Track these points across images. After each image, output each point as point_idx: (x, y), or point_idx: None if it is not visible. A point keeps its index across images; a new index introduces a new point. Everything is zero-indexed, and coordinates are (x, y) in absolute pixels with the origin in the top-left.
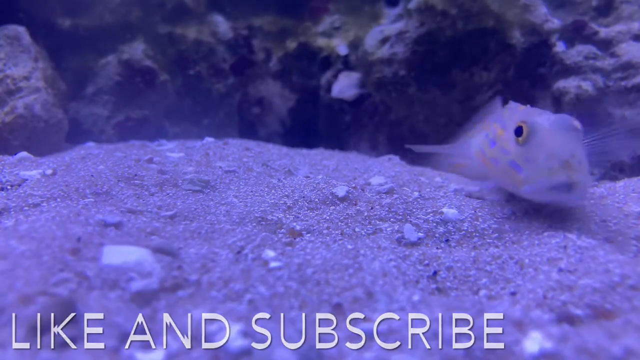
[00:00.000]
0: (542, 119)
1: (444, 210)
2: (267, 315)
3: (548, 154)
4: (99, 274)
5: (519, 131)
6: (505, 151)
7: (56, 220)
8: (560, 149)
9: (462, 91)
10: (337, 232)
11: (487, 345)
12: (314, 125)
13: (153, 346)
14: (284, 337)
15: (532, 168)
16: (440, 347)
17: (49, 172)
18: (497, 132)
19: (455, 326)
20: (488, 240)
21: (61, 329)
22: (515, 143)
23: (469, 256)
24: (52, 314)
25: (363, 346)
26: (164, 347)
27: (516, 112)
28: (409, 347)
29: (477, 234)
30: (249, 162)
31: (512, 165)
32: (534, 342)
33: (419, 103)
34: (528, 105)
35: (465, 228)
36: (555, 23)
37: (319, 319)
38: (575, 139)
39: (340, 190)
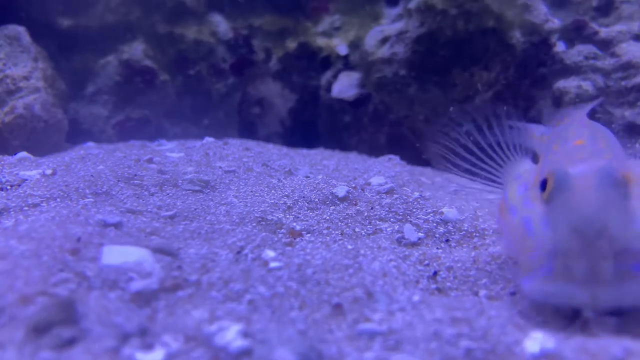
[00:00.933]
0: (581, 168)
1: (444, 210)
2: (267, 316)
3: (565, 226)
4: (99, 274)
5: (543, 185)
6: (528, 203)
7: (56, 220)
8: (585, 224)
9: (462, 91)
10: (337, 232)
11: (488, 345)
12: (314, 125)
13: (153, 346)
14: (284, 337)
15: (541, 243)
16: (440, 347)
17: (49, 172)
18: (534, 176)
19: (456, 326)
20: (488, 241)
21: (61, 329)
22: (540, 198)
23: (469, 256)
24: (52, 314)
25: (363, 346)
26: (164, 347)
27: (567, 145)
28: (409, 347)
29: (478, 234)
30: (249, 162)
31: (526, 226)
32: (534, 342)
33: (419, 103)
34: (601, 129)
35: (466, 228)
36: (555, 23)
37: (319, 319)
38: (614, 201)
39: (340, 190)
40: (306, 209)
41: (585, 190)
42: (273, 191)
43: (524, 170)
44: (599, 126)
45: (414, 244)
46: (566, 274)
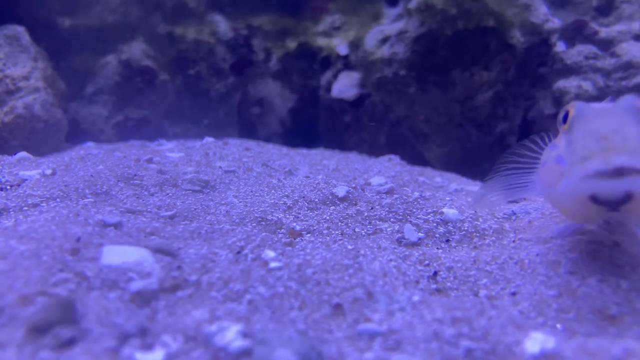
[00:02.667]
0: (600, 103)
1: (445, 210)
2: (267, 316)
3: (586, 136)
4: (99, 274)
5: (565, 117)
6: (555, 146)
7: (56, 220)
8: (601, 126)
9: (462, 91)
10: (337, 232)
11: (488, 345)
12: (314, 125)
13: (153, 346)
14: (284, 338)
15: (570, 158)
16: (440, 347)
17: (49, 172)
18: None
19: (456, 326)
20: (488, 241)
21: (61, 329)
22: (563, 133)
23: (469, 256)
24: (52, 314)
25: (363, 346)
26: (164, 347)
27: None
28: (409, 347)
29: (478, 234)
30: (249, 162)
31: (557, 161)
32: (534, 342)
33: (419, 103)
34: None
35: (466, 228)
36: (555, 23)
37: (319, 319)
38: (631, 118)
39: (340, 191)
40: (306, 209)
41: (604, 113)
42: (273, 191)
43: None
44: None
45: (414, 244)
46: (584, 165)
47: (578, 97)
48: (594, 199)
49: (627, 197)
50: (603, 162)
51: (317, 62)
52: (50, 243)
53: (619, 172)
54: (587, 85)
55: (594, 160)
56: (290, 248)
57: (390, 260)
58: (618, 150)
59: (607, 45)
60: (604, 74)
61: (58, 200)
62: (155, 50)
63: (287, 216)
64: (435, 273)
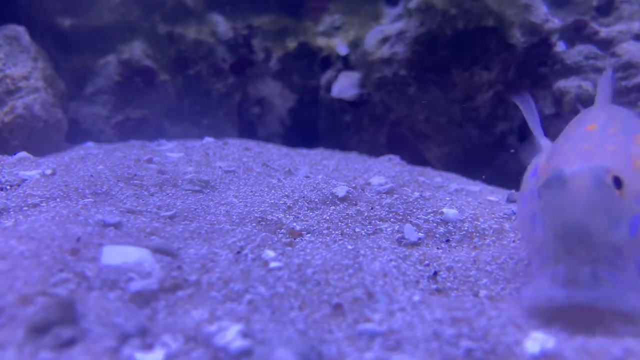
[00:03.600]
0: (574, 168)
1: (445, 210)
2: (267, 316)
3: (549, 231)
4: (99, 274)
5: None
6: (534, 173)
7: (55, 220)
8: (568, 228)
9: (462, 91)
10: (337, 232)
11: (488, 345)
12: (314, 125)
13: (153, 346)
14: (284, 338)
15: (533, 245)
16: (440, 347)
17: (49, 172)
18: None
19: (456, 326)
20: (488, 241)
21: (60, 329)
22: (537, 188)
23: (469, 256)
24: (52, 314)
25: (363, 346)
26: (164, 347)
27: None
28: (409, 347)
29: (478, 234)
30: (249, 162)
31: (532, 217)
32: (534, 342)
33: (419, 103)
34: None
35: (466, 228)
36: (555, 23)
37: (319, 319)
38: (601, 202)
39: (340, 191)
40: (306, 209)
41: (572, 194)
42: (273, 191)
43: (545, 146)
44: (619, 109)
45: (414, 244)
46: (553, 278)
47: (578, 96)
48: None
49: None
50: (567, 296)
51: (317, 62)
52: (50, 243)
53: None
54: (587, 85)
55: (557, 286)
56: (290, 248)
57: (390, 260)
58: (584, 284)
59: (607, 45)
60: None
61: (58, 200)
62: (155, 50)
63: (287, 216)
64: (436, 273)
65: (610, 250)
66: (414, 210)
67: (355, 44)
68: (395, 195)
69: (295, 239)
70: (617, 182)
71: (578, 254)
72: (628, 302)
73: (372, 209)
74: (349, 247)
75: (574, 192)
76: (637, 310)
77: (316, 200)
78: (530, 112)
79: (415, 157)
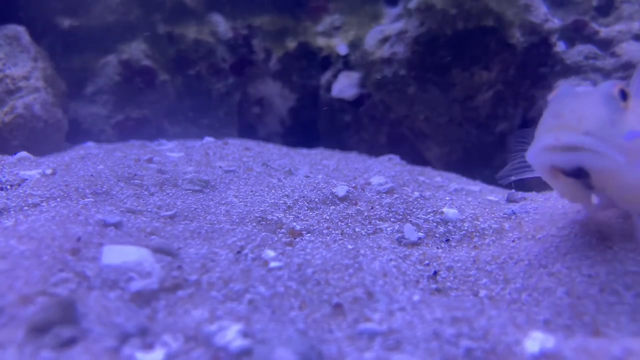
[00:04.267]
0: (585, 87)
1: (445, 210)
2: (267, 315)
3: (550, 113)
4: (99, 274)
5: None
6: None
7: (56, 220)
8: (564, 106)
9: (462, 91)
10: (337, 232)
11: (488, 345)
12: (314, 125)
13: (153, 346)
14: (284, 337)
15: (537, 132)
16: (440, 347)
17: (49, 171)
18: None
19: (456, 326)
20: (488, 240)
21: (61, 329)
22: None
23: (469, 256)
24: (52, 314)
25: (363, 346)
26: (164, 347)
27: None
28: (409, 347)
29: (478, 234)
30: (249, 162)
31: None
32: (534, 341)
33: (419, 103)
34: None
35: (466, 228)
36: (555, 23)
37: (319, 319)
38: (601, 101)
39: (341, 190)
40: (306, 208)
41: (577, 95)
42: (273, 191)
43: None
44: None
45: (414, 244)
46: (539, 139)
47: None
48: (557, 169)
49: (581, 171)
50: (554, 138)
51: (317, 62)
52: (51, 243)
53: (567, 148)
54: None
55: (548, 135)
56: (290, 248)
57: (390, 260)
58: (569, 129)
59: (607, 45)
60: (604, 73)
61: (58, 200)
62: (155, 50)
63: (287, 216)
64: (435, 273)
65: (601, 129)
66: (414, 209)
67: (355, 44)
68: (395, 195)
69: (295, 239)
70: (623, 94)
71: (570, 124)
72: (607, 154)
73: (372, 208)
74: (349, 246)
75: (581, 94)
76: (614, 164)
77: (316, 200)
78: None
79: (415, 157)
